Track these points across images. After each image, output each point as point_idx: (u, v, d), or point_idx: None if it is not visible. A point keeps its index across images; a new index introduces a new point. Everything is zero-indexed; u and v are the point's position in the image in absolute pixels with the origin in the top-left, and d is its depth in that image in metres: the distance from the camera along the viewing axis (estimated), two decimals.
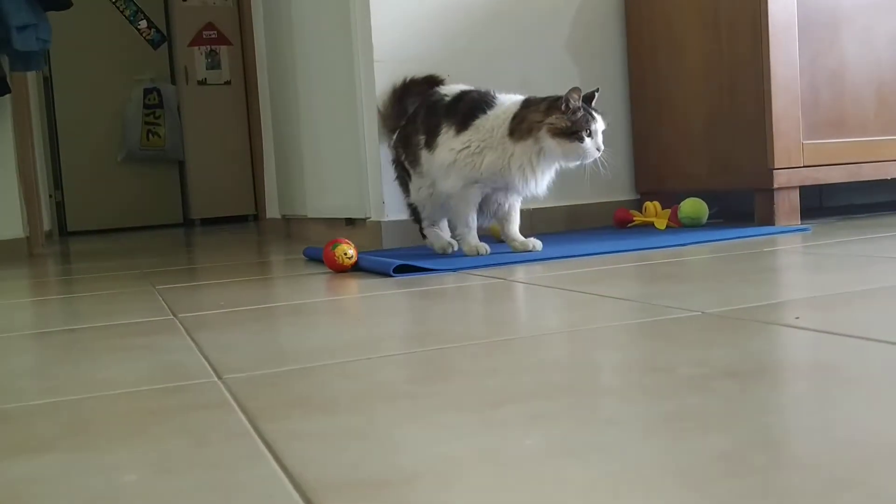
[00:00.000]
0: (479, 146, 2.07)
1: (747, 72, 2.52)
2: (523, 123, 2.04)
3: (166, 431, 0.79)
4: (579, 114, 1.98)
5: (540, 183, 2.09)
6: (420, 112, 2.25)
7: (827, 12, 2.54)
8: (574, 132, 1.98)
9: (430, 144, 2.15)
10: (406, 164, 2.27)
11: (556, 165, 2.09)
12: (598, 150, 2.01)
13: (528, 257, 2.06)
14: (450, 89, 2.23)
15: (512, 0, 2.89)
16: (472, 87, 2.22)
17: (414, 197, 2.27)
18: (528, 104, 2.08)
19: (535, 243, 2.17)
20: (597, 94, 2.07)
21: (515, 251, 2.16)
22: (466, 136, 2.09)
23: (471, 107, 2.12)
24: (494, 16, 2.87)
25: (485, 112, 2.10)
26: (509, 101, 2.12)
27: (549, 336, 1.13)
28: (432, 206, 2.24)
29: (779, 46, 2.45)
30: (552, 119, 1.99)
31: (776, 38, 2.45)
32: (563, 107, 1.98)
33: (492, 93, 2.16)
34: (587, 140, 1.99)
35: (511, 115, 2.06)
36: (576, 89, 1.98)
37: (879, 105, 2.63)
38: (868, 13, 2.60)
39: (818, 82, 2.54)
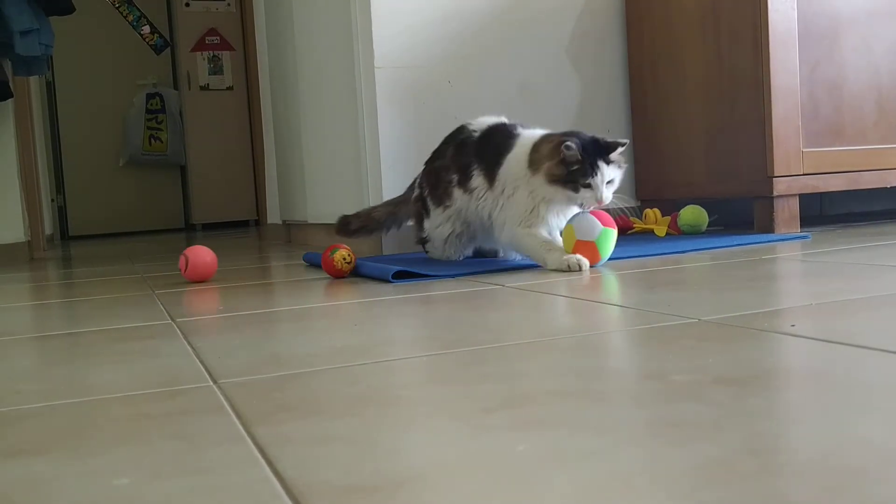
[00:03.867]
0: (512, 189, 2.04)
1: (747, 80, 2.52)
2: (535, 154, 2.01)
3: (160, 435, 0.79)
4: (575, 166, 1.93)
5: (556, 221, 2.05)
6: (449, 149, 2.23)
7: (827, 21, 2.54)
8: (569, 181, 1.94)
9: (465, 185, 2.14)
10: (428, 199, 2.25)
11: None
12: (599, 201, 1.95)
13: (527, 263, 2.05)
14: (478, 124, 2.21)
15: (513, 7, 2.89)
16: (499, 120, 2.20)
17: (429, 233, 2.25)
18: (547, 138, 2.04)
19: (581, 261, 1.95)
20: (621, 148, 1.97)
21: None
22: (498, 187, 2.07)
23: (495, 152, 2.11)
24: (496, 23, 2.87)
25: (505, 158, 2.08)
26: (526, 137, 2.09)
27: (544, 342, 1.13)
28: (452, 244, 2.22)
29: (779, 54, 2.45)
30: (550, 164, 1.96)
31: (776, 46, 2.45)
32: (561, 155, 1.94)
33: (516, 130, 2.13)
34: (582, 191, 1.94)
35: (530, 148, 2.04)
36: (567, 146, 1.92)
37: (879, 113, 2.63)
38: (867, 22, 2.61)
39: (818, 90, 2.54)
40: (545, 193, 1.98)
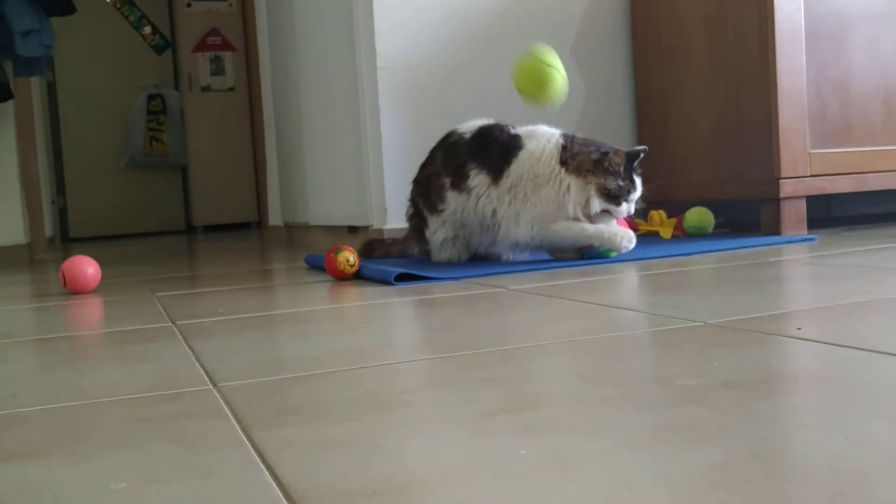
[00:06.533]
0: (532, 185, 2.06)
1: (754, 81, 2.51)
2: (577, 159, 2.05)
3: (159, 439, 0.79)
4: (623, 182, 2.03)
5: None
6: (438, 155, 2.22)
7: (834, 21, 2.53)
8: (616, 196, 2.04)
9: (460, 185, 2.13)
10: (424, 210, 2.23)
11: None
12: (629, 213, 2.09)
13: (530, 267, 2.04)
14: (467, 126, 2.20)
15: (516, 7, 2.88)
16: (489, 121, 2.19)
17: (430, 239, 2.23)
18: (573, 141, 2.09)
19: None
20: (643, 155, 2.08)
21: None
22: (506, 182, 2.08)
23: (499, 150, 2.11)
24: (499, 23, 2.86)
25: (516, 155, 2.09)
26: (537, 134, 2.11)
27: (547, 346, 1.12)
28: (448, 247, 2.20)
29: (785, 55, 2.44)
30: (603, 180, 2.03)
31: (783, 47, 2.44)
32: (607, 166, 2.02)
33: (513, 129, 2.15)
34: (623, 206, 2.05)
35: (559, 147, 2.07)
36: (619, 153, 2.03)
37: (886, 114, 2.62)
38: (875, 22, 2.59)
39: (825, 91, 2.53)
40: (585, 198, 2.04)
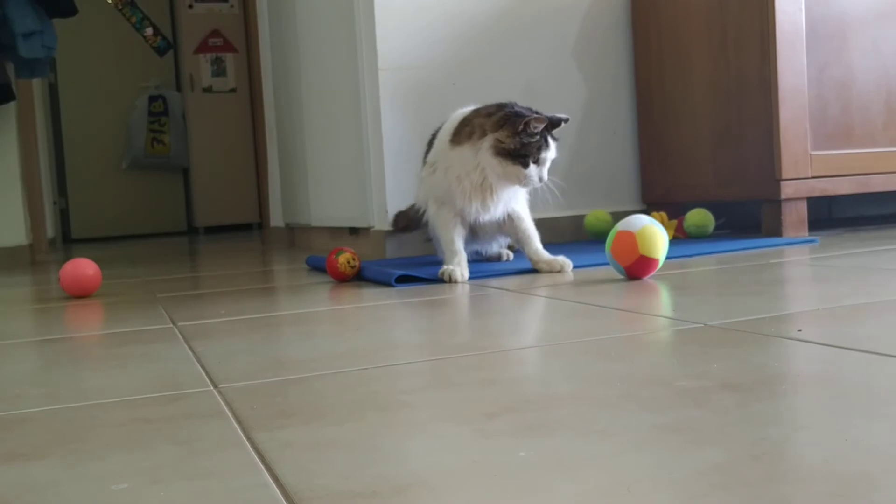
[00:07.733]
0: (433, 166, 2.01)
1: (755, 82, 2.51)
2: (466, 127, 1.89)
3: (160, 440, 0.79)
4: (533, 139, 1.81)
5: (488, 204, 1.92)
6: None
7: (835, 22, 2.53)
8: (521, 156, 1.81)
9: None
10: None
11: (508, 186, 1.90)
12: (541, 179, 1.85)
13: (529, 267, 2.04)
14: (459, 112, 2.07)
15: (518, 8, 2.88)
16: (467, 109, 2.08)
17: None
18: (478, 110, 1.93)
19: (565, 263, 1.96)
20: (564, 123, 1.88)
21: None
22: (429, 159, 2.06)
23: (437, 130, 2.08)
24: (500, 23, 2.86)
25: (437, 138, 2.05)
26: (458, 114, 1.99)
27: (548, 346, 1.12)
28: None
29: (786, 56, 2.44)
30: (501, 135, 1.82)
31: (784, 48, 2.44)
32: (519, 128, 1.80)
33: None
34: (531, 167, 1.82)
35: (458, 121, 1.94)
36: (541, 119, 1.81)
37: (888, 115, 2.62)
38: (876, 23, 2.59)
39: (826, 92, 2.53)
40: (486, 166, 1.86)
